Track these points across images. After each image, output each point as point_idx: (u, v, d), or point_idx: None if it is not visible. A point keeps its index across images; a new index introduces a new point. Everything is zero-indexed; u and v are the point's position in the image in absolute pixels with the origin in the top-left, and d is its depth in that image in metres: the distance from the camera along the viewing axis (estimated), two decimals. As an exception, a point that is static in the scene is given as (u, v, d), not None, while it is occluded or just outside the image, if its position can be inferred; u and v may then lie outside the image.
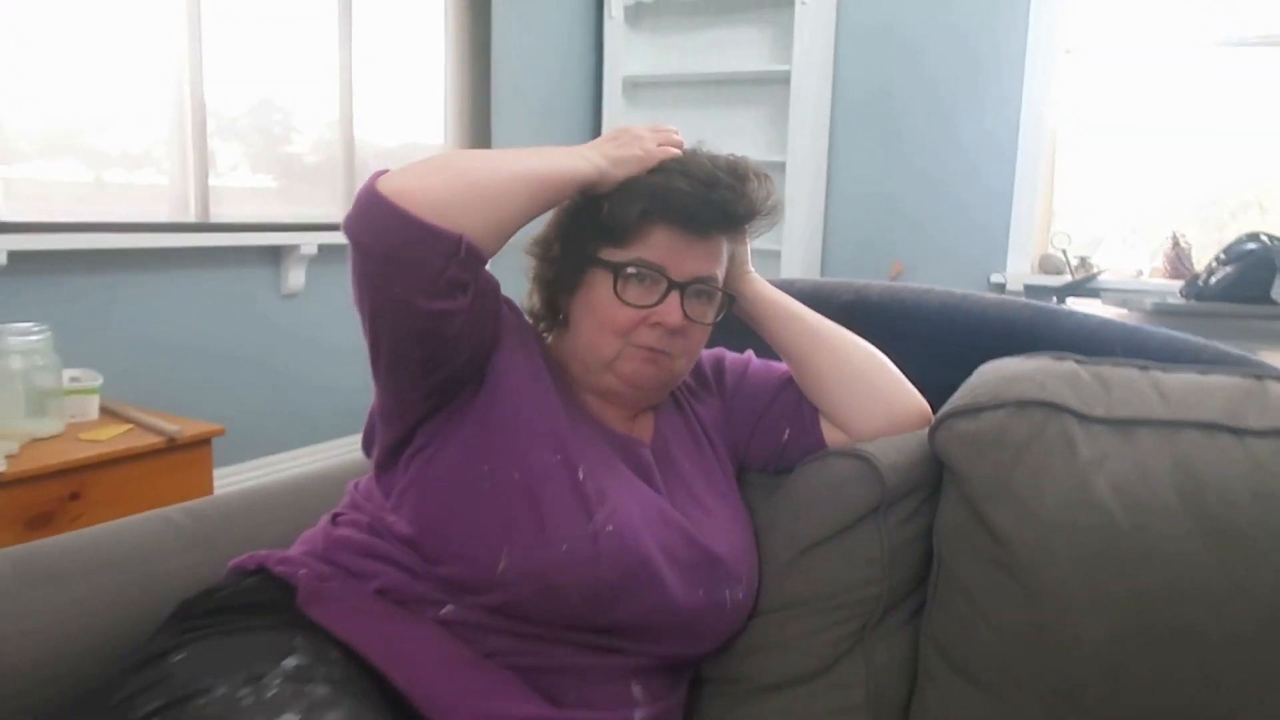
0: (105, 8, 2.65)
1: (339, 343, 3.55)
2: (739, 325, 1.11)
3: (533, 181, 0.89)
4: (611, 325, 0.97)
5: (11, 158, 2.48)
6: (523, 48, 4.27)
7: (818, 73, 4.30)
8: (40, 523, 1.81)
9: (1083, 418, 0.90)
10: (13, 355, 1.89)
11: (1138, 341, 1.18)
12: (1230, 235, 3.86)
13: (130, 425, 2.07)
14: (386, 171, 0.84)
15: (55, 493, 1.83)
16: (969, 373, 1.06)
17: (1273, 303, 2.60)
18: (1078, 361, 0.98)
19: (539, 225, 1.09)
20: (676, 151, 0.99)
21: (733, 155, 1.03)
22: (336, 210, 3.50)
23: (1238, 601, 0.78)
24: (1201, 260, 3.83)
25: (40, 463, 1.80)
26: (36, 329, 1.93)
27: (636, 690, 0.91)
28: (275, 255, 3.24)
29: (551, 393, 0.96)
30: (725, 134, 4.62)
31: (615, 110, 4.63)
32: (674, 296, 0.95)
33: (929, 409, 1.07)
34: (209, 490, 2.13)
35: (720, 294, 1.01)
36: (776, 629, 0.99)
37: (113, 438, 1.98)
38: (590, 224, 0.99)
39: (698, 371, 1.14)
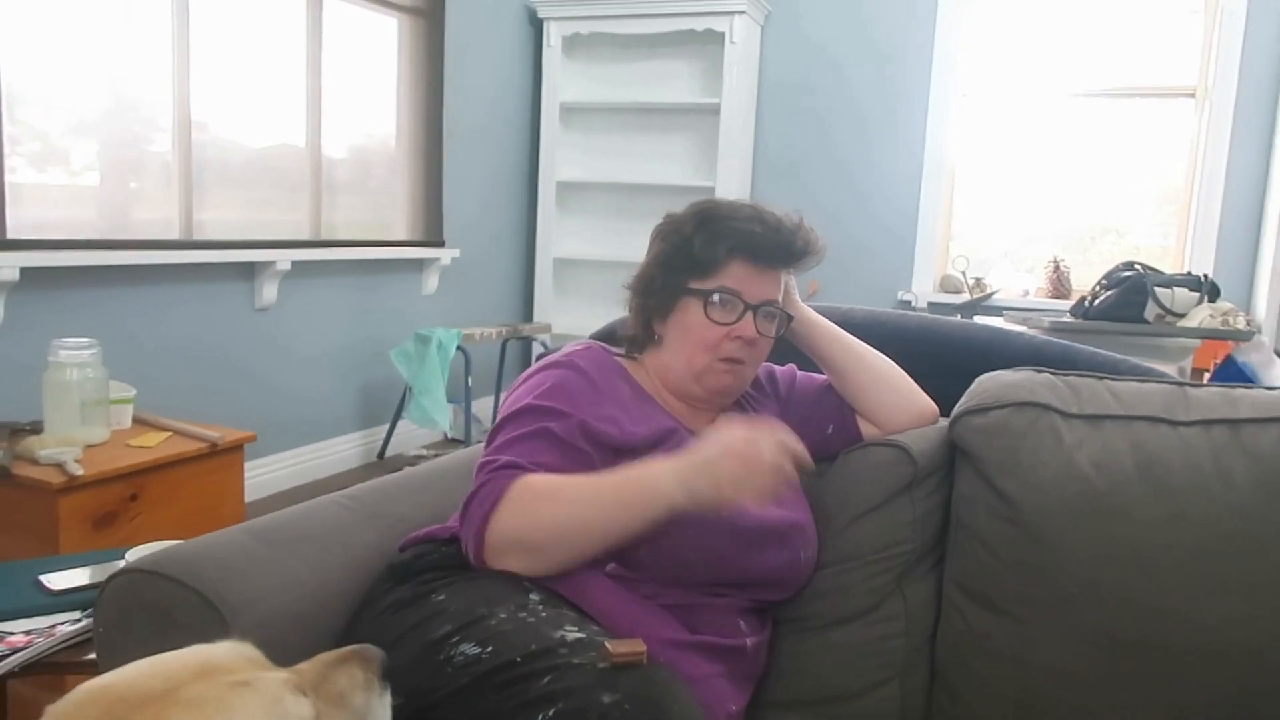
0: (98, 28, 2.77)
1: (308, 352, 3.70)
2: (780, 345, 1.42)
3: (624, 531, 1.07)
4: (702, 341, 1.26)
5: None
6: (470, 73, 4.49)
7: (743, 105, 4.66)
8: (105, 521, 1.96)
9: (1064, 414, 1.25)
10: (69, 368, 2.03)
11: (1071, 357, 1.55)
12: (1094, 256, 4.43)
13: (169, 432, 2.23)
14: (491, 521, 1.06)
15: (118, 494, 1.98)
16: (941, 379, 1.41)
17: (1145, 322, 3.08)
18: (1052, 373, 1.33)
19: (635, 263, 1.38)
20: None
21: (792, 210, 1.33)
22: (305, 222, 3.66)
23: (1178, 535, 1.13)
24: (1077, 280, 4.38)
25: (104, 468, 1.95)
26: (87, 344, 2.08)
27: (742, 624, 1.20)
28: (250, 271, 3.37)
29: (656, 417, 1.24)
30: (656, 159, 4.95)
31: (553, 133, 4.89)
32: (749, 316, 1.26)
33: (937, 408, 1.40)
34: (243, 488, 2.30)
35: (781, 314, 1.32)
36: (834, 579, 1.30)
37: (159, 444, 2.14)
38: (682, 261, 1.29)
39: (755, 382, 1.44)
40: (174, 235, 3.09)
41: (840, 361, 1.39)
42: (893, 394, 1.38)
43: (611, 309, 5.80)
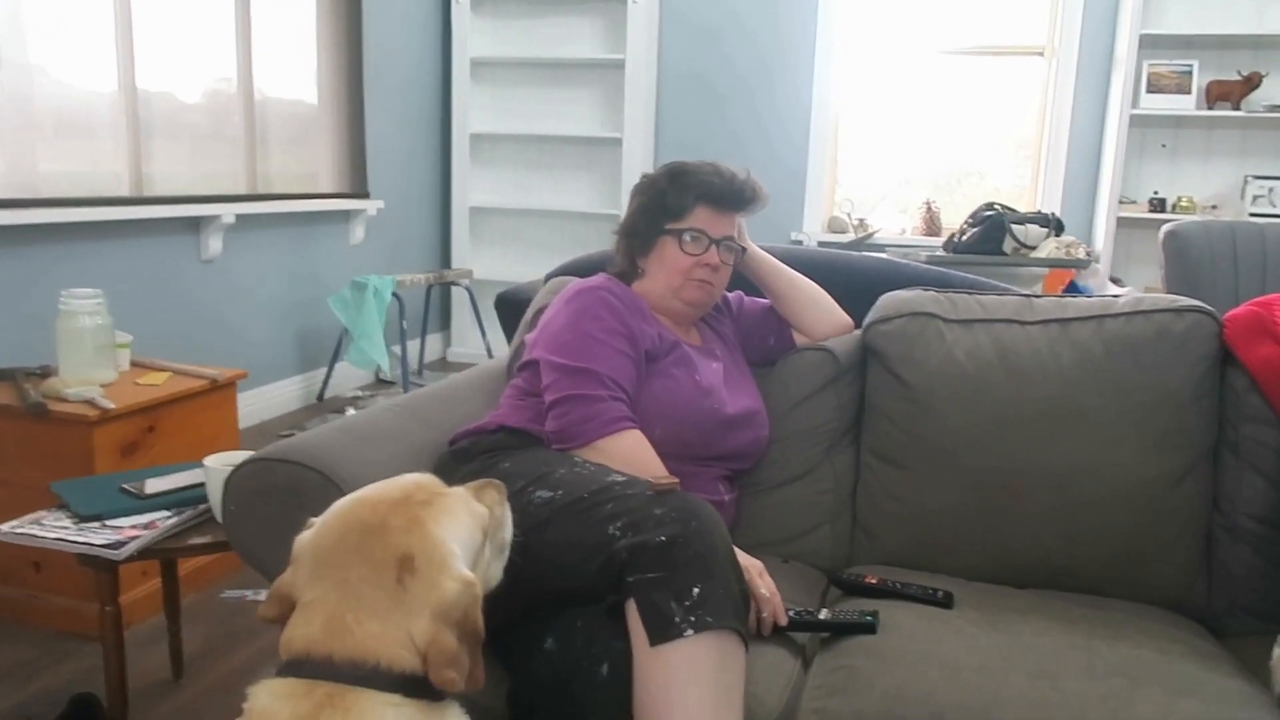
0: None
1: (251, 302, 3.90)
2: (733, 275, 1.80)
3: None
4: (677, 268, 1.63)
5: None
6: (385, 29, 4.67)
7: (646, 61, 4.99)
8: (130, 450, 2.21)
9: (945, 320, 1.68)
10: (83, 316, 2.25)
11: (946, 279, 1.99)
12: (960, 197, 4.98)
13: (168, 372, 2.47)
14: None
15: (139, 426, 2.23)
16: (848, 299, 1.82)
17: (1004, 254, 3.61)
18: (936, 291, 1.76)
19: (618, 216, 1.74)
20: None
21: (741, 169, 1.70)
22: (241, 175, 3.83)
23: (1025, 403, 1.58)
24: (946, 219, 4.92)
25: (127, 403, 2.20)
26: (94, 294, 2.29)
27: (721, 487, 1.60)
28: (196, 225, 3.54)
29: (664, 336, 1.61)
30: (564, 113, 5.24)
31: (464, 87, 5.11)
32: (713, 248, 1.63)
33: (851, 321, 1.82)
34: (237, 420, 2.56)
35: (737, 247, 1.70)
36: (780, 451, 1.72)
37: (165, 382, 2.38)
38: (658, 209, 1.65)
39: (717, 305, 1.82)
40: (124, 191, 3.24)
41: (780, 287, 1.78)
42: (820, 311, 1.79)
43: (526, 254, 6.16)
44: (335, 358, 4.32)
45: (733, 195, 1.65)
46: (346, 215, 4.49)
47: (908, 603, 1.45)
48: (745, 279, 1.81)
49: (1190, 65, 4.33)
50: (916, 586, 1.49)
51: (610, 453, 1.43)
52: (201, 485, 1.74)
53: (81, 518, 1.63)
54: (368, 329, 4.09)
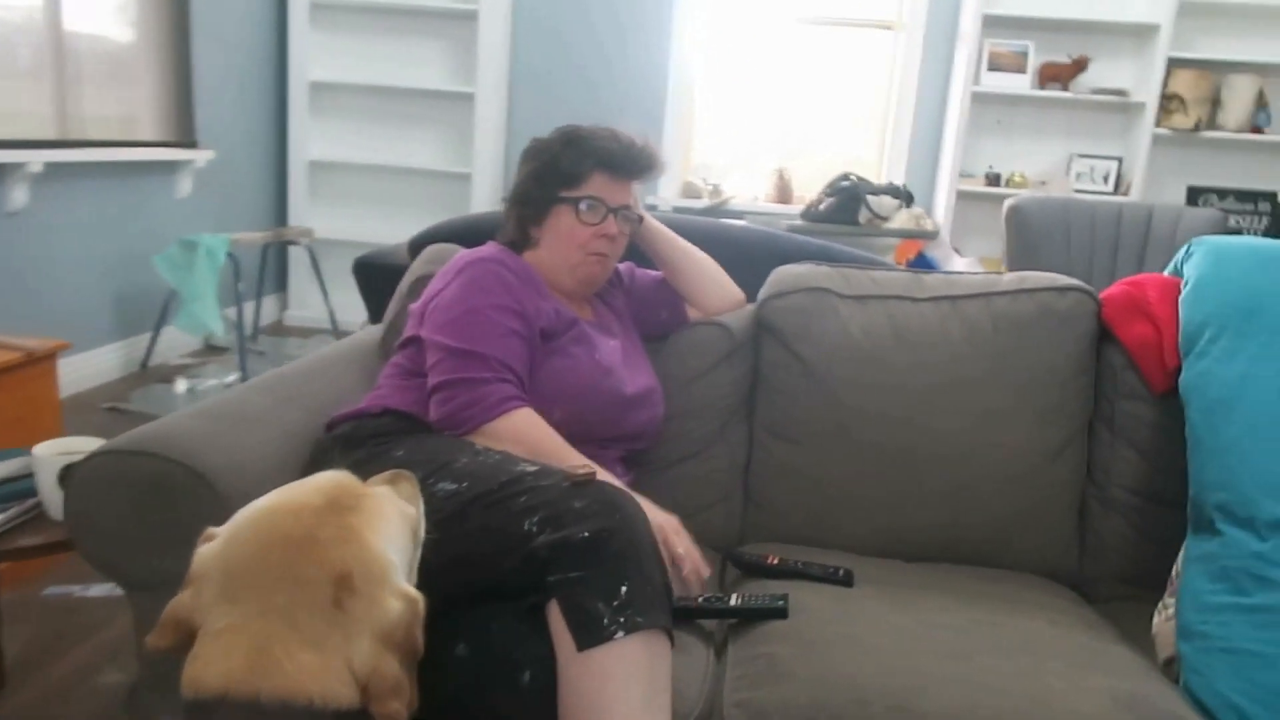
0: None
1: (63, 260, 3.51)
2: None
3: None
4: (574, 239, 1.55)
5: None
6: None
7: (501, 12, 4.79)
8: (-71, 435, 1.93)
9: (840, 295, 1.67)
10: None
11: (831, 253, 2.00)
12: (808, 165, 5.08)
13: (-27, 344, 2.17)
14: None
15: (-60, 406, 1.95)
16: (729, 272, 1.78)
17: (859, 224, 3.70)
18: (829, 265, 1.75)
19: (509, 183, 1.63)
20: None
21: (639, 134, 1.62)
22: (50, 118, 3.42)
23: (918, 376, 1.60)
24: (796, 186, 5.01)
25: (-77, 379, 1.92)
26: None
27: (620, 469, 1.54)
28: (-3, 173, 3.15)
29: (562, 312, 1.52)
30: (413, 63, 4.98)
31: (302, 31, 4.76)
32: (611, 217, 1.56)
33: (744, 295, 1.79)
34: (58, 396, 2.29)
35: (635, 215, 1.62)
36: (675, 428, 1.67)
37: (-31, 355, 2.09)
38: (552, 175, 1.56)
39: (609, 277, 1.74)
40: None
41: (674, 259, 1.73)
42: (713, 285, 1.75)
43: (371, 212, 5.89)
44: (161, 322, 3.97)
45: (631, 162, 1.57)
46: (172, 166, 4.10)
47: (809, 582, 1.44)
48: (636, 250, 1.74)
49: (1026, 46, 4.55)
50: (817, 565, 1.48)
51: (500, 435, 1.34)
52: (28, 477, 1.53)
53: (-120, 521, 1.40)
54: (199, 291, 3.77)
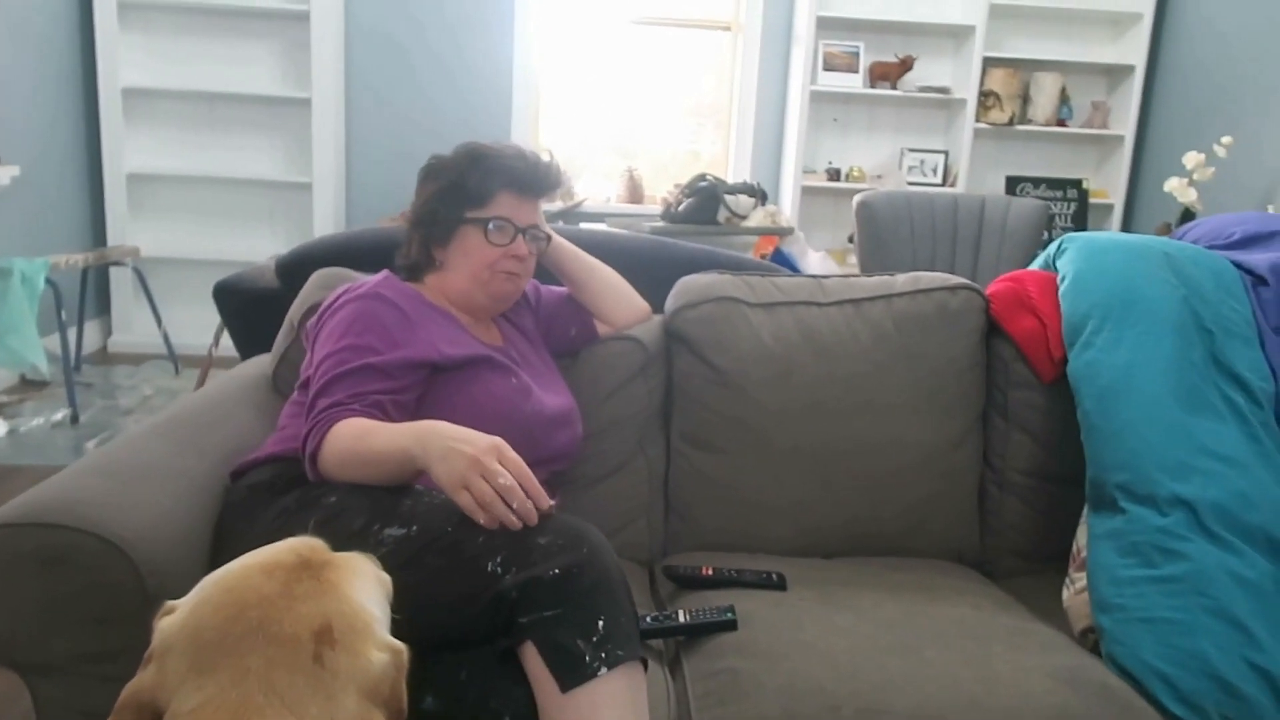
0: None
1: None
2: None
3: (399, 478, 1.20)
4: (483, 260, 1.50)
5: None
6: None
7: (333, 12, 4.59)
8: None
9: (749, 304, 1.70)
10: None
11: (718, 259, 2.03)
12: (655, 164, 5.16)
13: None
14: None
15: None
16: (631, 280, 1.78)
17: (718, 223, 3.78)
18: (732, 273, 1.78)
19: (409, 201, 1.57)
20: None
21: (540, 148, 1.60)
22: None
23: (828, 380, 1.65)
24: (647, 186, 5.07)
25: None
26: None
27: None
28: None
29: (463, 334, 1.46)
30: (239, 67, 4.70)
31: (110, 33, 4.42)
32: (520, 237, 1.52)
33: (649, 307, 1.79)
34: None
35: (543, 234, 1.59)
36: (593, 446, 1.66)
37: None
38: (457, 195, 1.51)
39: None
40: None
41: (579, 275, 1.70)
42: (621, 299, 1.74)
43: (204, 226, 5.56)
44: (-29, 358, 3.58)
45: (538, 181, 1.54)
46: (-30, 185, 3.70)
47: (745, 590, 1.46)
48: (540, 267, 1.71)
49: (857, 46, 4.77)
50: (750, 572, 1.50)
51: (338, 453, 1.22)
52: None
53: None
54: (16, 322, 3.42)
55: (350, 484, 1.23)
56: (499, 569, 1.06)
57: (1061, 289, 1.64)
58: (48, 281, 3.56)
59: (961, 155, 4.81)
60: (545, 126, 5.10)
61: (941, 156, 4.92)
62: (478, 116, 4.87)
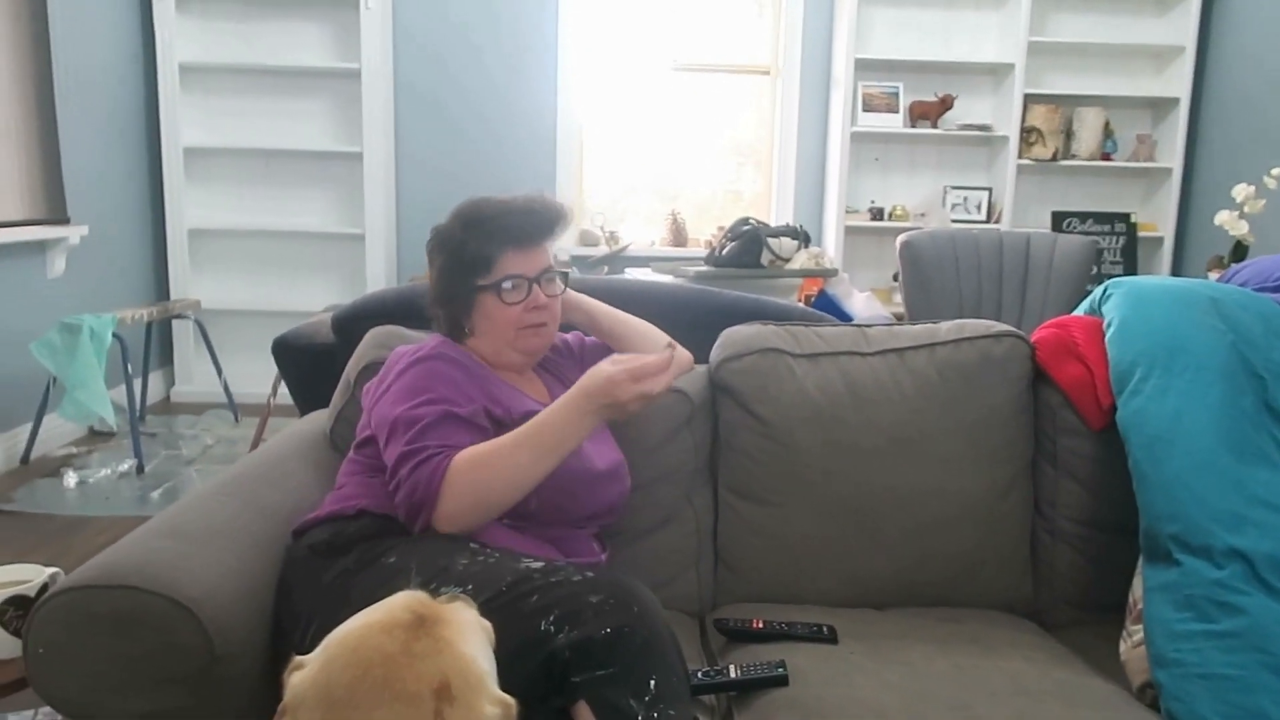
0: None
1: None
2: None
3: (550, 470, 1.35)
4: (506, 322, 1.53)
5: None
6: (76, 33, 4.09)
7: (382, 71, 4.74)
8: None
9: (793, 355, 1.72)
10: None
11: (763, 307, 2.05)
12: (699, 208, 5.21)
13: None
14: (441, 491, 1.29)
15: None
16: (675, 331, 1.81)
17: (761, 266, 3.80)
18: (776, 324, 1.80)
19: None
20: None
21: (531, 190, 1.61)
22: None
23: (874, 431, 1.65)
24: (691, 229, 5.12)
25: None
26: None
27: (595, 545, 1.53)
28: None
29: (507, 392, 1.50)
30: (293, 125, 4.86)
31: (172, 96, 4.60)
32: (535, 288, 1.54)
33: (692, 357, 1.82)
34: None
35: (559, 272, 1.60)
36: (641, 499, 1.68)
37: None
38: (463, 266, 1.53)
39: (555, 348, 1.74)
40: None
41: (615, 330, 1.73)
42: (659, 349, 1.76)
43: (261, 278, 5.73)
44: (42, 411, 3.72)
45: (536, 228, 1.54)
46: (42, 245, 3.87)
47: (796, 643, 1.47)
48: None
49: (896, 87, 4.80)
50: (801, 625, 1.51)
51: (459, 495, 1.29)
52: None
53: None
54: (84, 378, 3.55)
55: (405, 546, 1.26)
56: (552, 627, 1.08)
57: (1108, 335, 1.64)
58: (115, 336, 3.69)
59: (1005, 191, 4.79)
60: (589, 172, 5.19)
61: (985, 193, 4.90)
62: (523, 165, 4.98)
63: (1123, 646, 1.45)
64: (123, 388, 3.92)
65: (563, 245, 5.04)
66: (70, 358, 3.54)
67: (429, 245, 1.59)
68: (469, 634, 0.87)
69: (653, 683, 1.05)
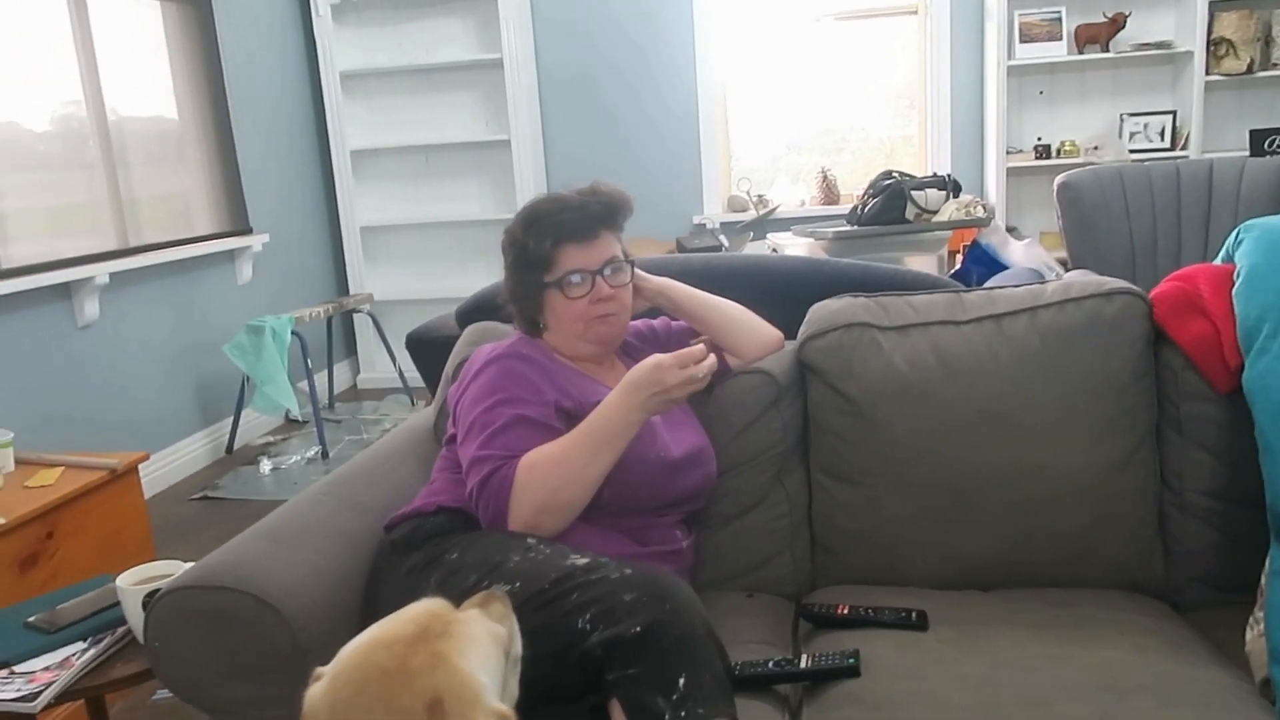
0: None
1: (139, 361, 3.66)
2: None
3: (613, 462, 1.38)
4: (574, 315, 1.54)
5: None
6: (244, 52, 4.42)
7: (524, 58, 4.85)
8: (30, 563, 2.03)
9: (880, 328, 1.65)
10: (-48, 423, 2.05)
11: (871, 274, 1.96)
12: (849, 158, 5.02)
13: (60, 467, 2.28)
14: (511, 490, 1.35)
15: (35, 535, 2.05)
16: (771, 307, 1.77)
17: (907, 221, 3.63)
18: (865, 297, 1.73)
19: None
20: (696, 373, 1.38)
21: (592, 182, 1.61)
22: (110, 231, 3.58)
23: (967, 405, 1.56)
24: (842, 184, 4.95)
25: (18, 512, 2.02)
26: (-36, 396, 2.09)
27: (678, 533, 1.54)
28: (66, 291, 3.30)
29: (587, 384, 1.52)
30: (445, 118, 5.07)
31: (336, 103, 4.89)
32: (598, 279, 1.54)
33: (781, 336, 1.77)
34: (145, 508, 2.39)
35: (623, 262, 1.59)
36: (730, 483, 1.66)
37: (58, 479, 2.20)
38: (528, 265, 1.55)
39: (638, 333, 1.74)
40: (-19, 268, 2.99)
41: (700, 313, 1.71)
42: (745, 332, 1.73)
43: (425, 269, 6.00)
44: (240, 406, 4.11)
45: (590, 221, 1.54)
46: (230, 254, 4.26)
47: (883, 629, 1.42)
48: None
49: (1058, 11, 4.42)
50: (888, 610, 1.45)
51: (529, 495, 1.35)
52: (117, 604, 1.60)
53: (-15, 666, 1.48)
54: (270, 373, 3.89)
55: (467, 543, 1.32)
56: (588, 626, 1.10)
57: (1235, 287, 1.46)
58: (294, 333, 4.02)
59: (1192, 113, 4.32)
60: (736, 136, 5.11)
61: (1168, 118, 4.45)
62: (667, 134, 4.97)
63: (1249, 635, 1.31)
64: (318, 374, 4.26)
65: (712, 213, 5.01)
66: (257, 356, 3.89)
67: (501, 244, 1.63)
68: (470, 647, 0.90)
69: (682, 681, 1.05)
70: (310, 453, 4.07)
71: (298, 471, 3.89)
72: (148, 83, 3.85)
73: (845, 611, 1.47)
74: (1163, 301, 1.56)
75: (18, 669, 1.48)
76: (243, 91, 4.35)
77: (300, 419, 4.52)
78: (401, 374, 4.80)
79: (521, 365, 1.49)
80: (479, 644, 0.92)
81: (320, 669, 0.92)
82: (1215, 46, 4.27)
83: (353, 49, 4.99)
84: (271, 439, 4.35)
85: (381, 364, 5.10)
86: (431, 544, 1.36)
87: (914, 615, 1.44)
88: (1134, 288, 1.58)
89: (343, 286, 5.18)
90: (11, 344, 3.05)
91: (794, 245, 3.93)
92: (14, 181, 3.14)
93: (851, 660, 1.30)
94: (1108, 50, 4.39)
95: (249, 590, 1.26)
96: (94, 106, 3.51)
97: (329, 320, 4.81)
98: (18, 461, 2.34)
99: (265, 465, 3.94)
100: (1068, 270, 3.57)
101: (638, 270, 1.66)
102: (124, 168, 3.65)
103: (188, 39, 4.07)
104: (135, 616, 1.54)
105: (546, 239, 1.52)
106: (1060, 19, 4.42)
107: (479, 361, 1.53)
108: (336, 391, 4.98)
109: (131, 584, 1.54)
